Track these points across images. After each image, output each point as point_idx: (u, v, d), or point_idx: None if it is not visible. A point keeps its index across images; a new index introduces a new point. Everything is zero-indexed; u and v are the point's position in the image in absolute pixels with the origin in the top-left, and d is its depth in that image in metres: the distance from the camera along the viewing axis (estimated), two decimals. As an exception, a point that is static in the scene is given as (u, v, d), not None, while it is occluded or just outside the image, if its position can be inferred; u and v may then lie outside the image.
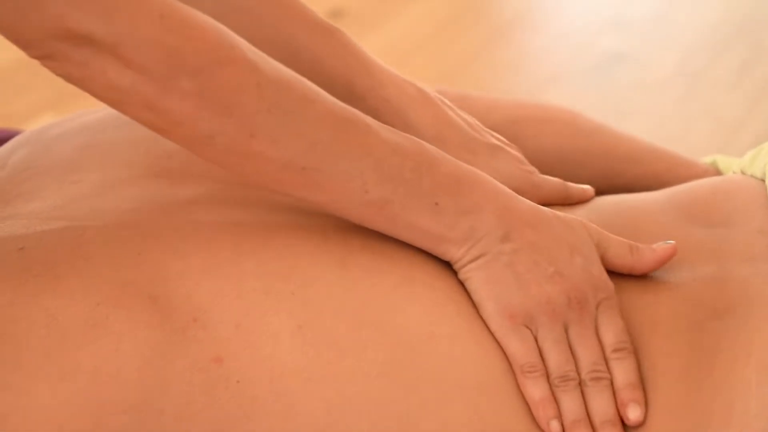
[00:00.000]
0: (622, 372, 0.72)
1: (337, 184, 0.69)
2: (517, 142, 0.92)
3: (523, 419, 0.70)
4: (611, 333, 0.72)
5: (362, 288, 0.71)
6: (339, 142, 0.68)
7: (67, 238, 0.71)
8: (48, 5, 0.61)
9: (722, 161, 1.04)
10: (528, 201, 0.75)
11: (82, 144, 0.82)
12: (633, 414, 0.71)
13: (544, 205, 0.76)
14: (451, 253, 0.72)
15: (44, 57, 0.63)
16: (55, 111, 1.93)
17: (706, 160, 1.06)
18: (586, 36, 2.04)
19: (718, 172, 1.02)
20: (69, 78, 0.64)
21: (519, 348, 0.70)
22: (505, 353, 0.71)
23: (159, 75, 0.63)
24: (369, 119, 0.71)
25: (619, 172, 0.97)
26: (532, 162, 0.90)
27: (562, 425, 0.70)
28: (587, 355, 0.72)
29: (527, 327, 0.71)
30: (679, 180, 0.95)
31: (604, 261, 0.75)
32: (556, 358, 0.71)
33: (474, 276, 0.72)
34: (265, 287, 0.69)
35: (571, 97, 1.79)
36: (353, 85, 0.81)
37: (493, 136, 0.87)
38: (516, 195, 0.74)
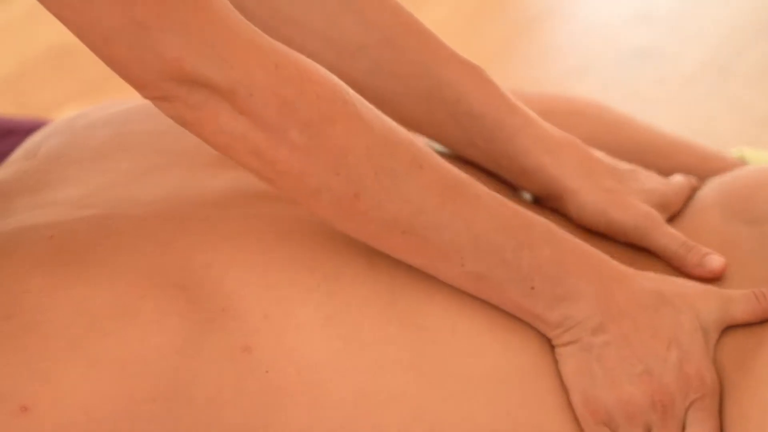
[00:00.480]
0: None
1: (436, 253, 0.68)
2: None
3: (552, 413, 0.70)
4: None
5: (385, 282, 0.71)
6: (443, 212, 0.68)
7: (96, 226, 0.71)
8: (166, 48, 0.61)
9: (750, 154, 1.03)
10: (636, 282, 0.71)
11: (112, 133, 0.83)
12: None
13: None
14: (544, 330, 0.71)
15: (158, 98, 0.63)
16: (80, 102, 1.94)
17: (734, 152, 1.05)
18: (612, 29, 2.03)
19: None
20: (181, 120, 0.64)
21: None
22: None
23: (270, 124, 0.63)
24: (480, 188, 0.70)
25: (648, 165, 0.97)
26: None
27: None
28: None
29: (607, 426, 0.69)
30: (710, 173, 0.94)
31: (734, 322, 0.72)
32: None
33: (564, 361, 0.71)
34: (291, 279, 0.69)
35: (597, 90, 1.79)
36: (502, 123, 0.79)
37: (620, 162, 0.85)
38: (622, 273, 0.72)
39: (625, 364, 0.69)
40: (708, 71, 1.87)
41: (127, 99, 0.90)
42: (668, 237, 0.78)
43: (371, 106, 0.67)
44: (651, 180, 0.83)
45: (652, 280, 0.72)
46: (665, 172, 0.94)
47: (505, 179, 0.82)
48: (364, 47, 0.77)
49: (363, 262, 0.71)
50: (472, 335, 0.70)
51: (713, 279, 0.77)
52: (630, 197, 0.79)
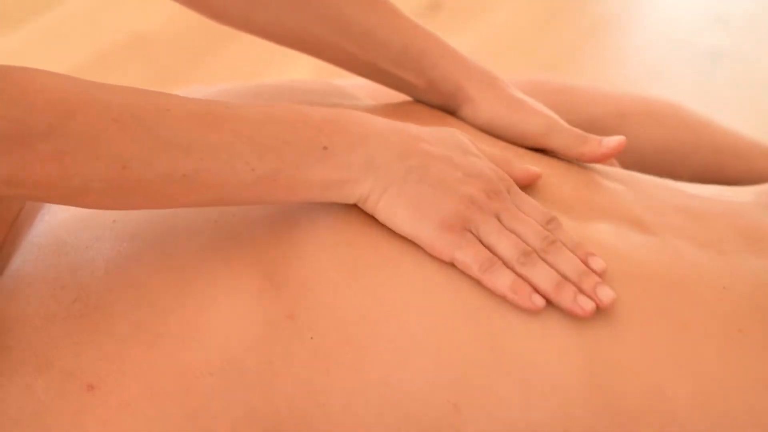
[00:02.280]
0: (565, 236, 0.72)
1: (223, 176, 0.67)
2: (622, 134, 0.91)
3: (580, 387, 0.69)
4: (533, 210, 0.73)
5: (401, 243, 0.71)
6: (208, 136, 0.67)
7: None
8: None
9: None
10: (404, 123, 0.75)
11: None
12: (597, 264, 0.70)
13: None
14: (359, 191, 0.71)
15: None
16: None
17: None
18: (688, 32, 2.02)
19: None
20: None
21: (470, 253, 0.69)
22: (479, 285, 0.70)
23: (11, 149, 0.62)
24: (226, 103, 0.71)
25: (722, 166, 0.96)
26: (636, 153, 0.90)
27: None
28: (530, 230, 0.71)
29: (466, 229, 0.70)
30: None
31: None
32: (506, 243, 0.70)
33: (393, 205, 0.71)
34: (321, 243, 0.71)
35: (672, 93, 1.77)
36: (407, 48, 0.83)
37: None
38: (391, 121, 0.74)
39: (444, 175, 0.71)
40: (785, 75, 1.85)
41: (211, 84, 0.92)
42: (567, 132, 0.82)
43: (102, 83, 0.67)
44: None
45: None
46: (743, 175, 0.93)
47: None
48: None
49: (381, 226, 0.72)
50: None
51: (613, 155, 0.82)
52: (532, 106, 0.84)
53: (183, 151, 0.66)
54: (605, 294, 0.69)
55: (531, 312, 0.68)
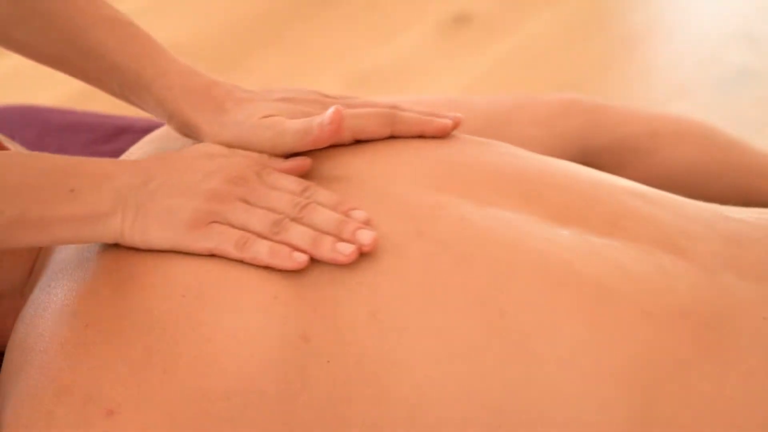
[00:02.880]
0: (324, 197, 0.73)
1: None
2: (655, 155, 0.92)
3: (618, 388, 0.68)
4: (289, 184, 0.74)
5: (417, 273, 0.70)
6: None
7: None
8: None
9: None
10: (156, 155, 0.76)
11: None
12: (359, 215, 0.71)
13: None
14: (112, 226, 0.71)
15: None
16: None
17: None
18: (714, 49, 2.01)
19: None
20: None
21: (220, 238, 0.70)
22: None
23: None
24: None
25: (755, 188, 0.96)
26: (668, 174, 0.90)
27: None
28: (282, 202, 0.72)
29: (214, 221, 0.71)
30: None
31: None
32: (255, 219, 0.71)
33: (144, 226, 0.71)
34: (333, 276, 0.70)
35: (699, 111, 1.77)
36: (140, 75, 0.82)
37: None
38: (139, 159, 0.76)
39: (184, 181, 0.72)
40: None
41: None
42: (291, 134, 0.78)
43: None
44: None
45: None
46: None
47: None
48: (19, 21, 0.81)
49: (396, 253, 0.71)
50: (516, 314, 0.69)
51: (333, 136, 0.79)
52: (257, 122, 0.80)
53: None
54: (365, 236, 0.69)
55: (296, 270, 0.69)
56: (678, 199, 0.81)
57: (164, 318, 0.68)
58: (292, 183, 0.74)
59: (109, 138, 1.20)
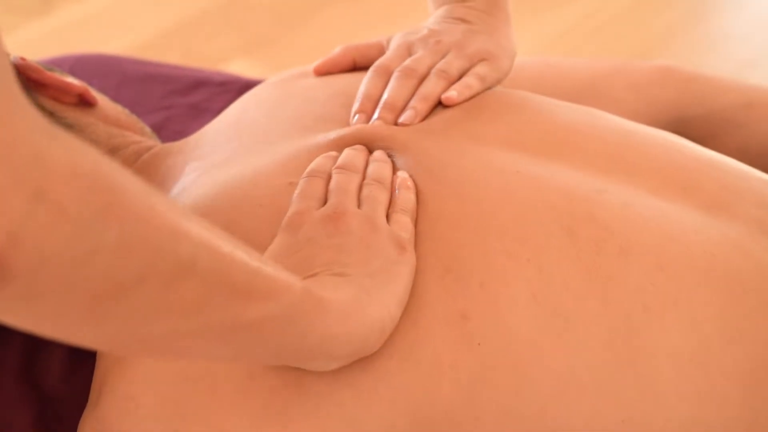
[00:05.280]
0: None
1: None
2: (747, 127, 0.90)
3: (739, 387, 0.67)
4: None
5: (586, 258, 0.69)
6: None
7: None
8: None
9: None
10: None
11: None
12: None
13: None
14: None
15: None
16: (247, 57, 1.97)
17: None
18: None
19: None
20: None
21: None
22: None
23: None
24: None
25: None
26: (760, 148, 0.88)
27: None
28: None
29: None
30: None
31: None
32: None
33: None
34: (506, 249, 0.68)
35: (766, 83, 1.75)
36: None
37: None
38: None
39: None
40: None
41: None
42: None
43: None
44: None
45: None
46: None
47: None
48: None
49: (564, 236, 0.69)
50: (661, 312, 0.68)
51: None
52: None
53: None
54: None
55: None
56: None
57: (184, 402, 0.66)
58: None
59: (188, 90, 1.19)
